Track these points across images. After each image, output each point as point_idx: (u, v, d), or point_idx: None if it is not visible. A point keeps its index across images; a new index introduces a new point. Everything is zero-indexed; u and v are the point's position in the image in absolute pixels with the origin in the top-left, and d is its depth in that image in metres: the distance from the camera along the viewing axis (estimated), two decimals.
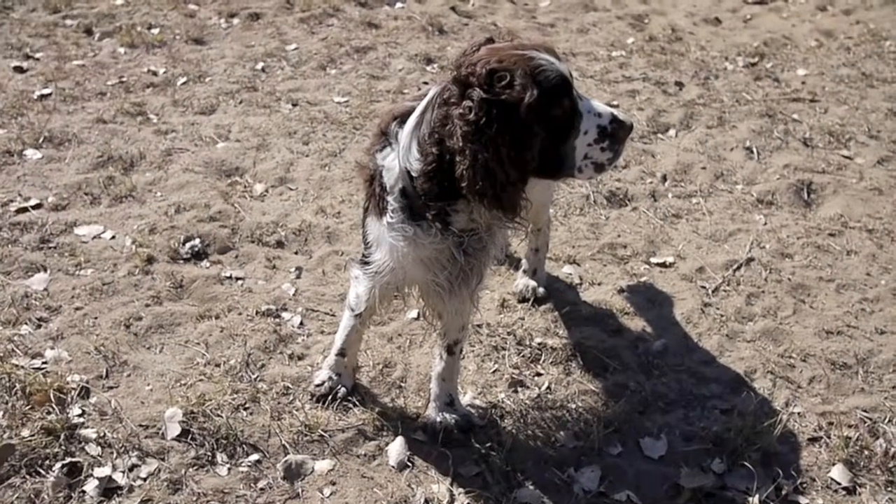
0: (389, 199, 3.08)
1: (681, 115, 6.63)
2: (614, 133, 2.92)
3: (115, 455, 3.36)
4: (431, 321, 3.58)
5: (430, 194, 2.95)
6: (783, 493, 3.41)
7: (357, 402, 3.71)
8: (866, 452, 3.65)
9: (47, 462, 3.28)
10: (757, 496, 3.33)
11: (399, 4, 8.29)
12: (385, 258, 3.20)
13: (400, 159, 3.01)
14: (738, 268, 4.84)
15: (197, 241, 4.66)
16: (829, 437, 3.73)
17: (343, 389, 3.72)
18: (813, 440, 3.73)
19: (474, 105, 2.75)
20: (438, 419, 3.57)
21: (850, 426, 3.79)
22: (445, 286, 3.22)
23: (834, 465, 3.59)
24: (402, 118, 3.09)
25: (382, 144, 3.15)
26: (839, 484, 3.51)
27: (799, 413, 3.86)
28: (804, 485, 3.49)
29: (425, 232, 3.05)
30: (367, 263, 3.32)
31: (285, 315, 4.23)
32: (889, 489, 3.50)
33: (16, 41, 6.99)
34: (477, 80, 2.77)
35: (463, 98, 2.79)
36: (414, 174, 2.96)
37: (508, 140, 2.76)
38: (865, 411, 3.87)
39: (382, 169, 3.11)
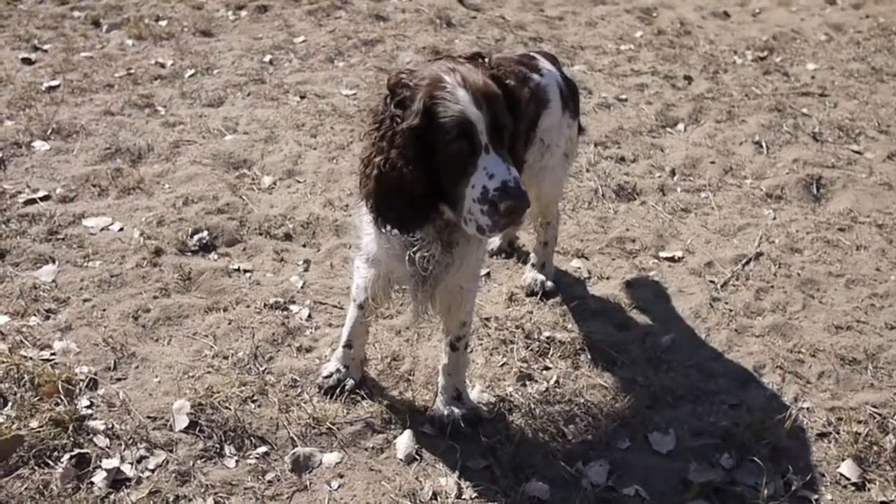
0: None
1: (689, 109, 6.61)
2: (494, 202, 2.71)
3: (123, 446, 3.36)
4: (422, 315, 3.51)
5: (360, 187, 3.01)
6: (792, 488, 3.40)
7: (365, 395, 3.70)
8: (875, 448, 3.64)
9: (56, 453, 3.28)
10: (766, 491, 3.31)
11: None
12: (369, 248, 3.26)
13: None
14: (747, 262, 4.83)
15: (205, 233, 4.65)
16: (838, 433, 3.72)
17: (351, 382, 3.71)
18: (822, 435, 3.72)
19: (377, 110, 2.84)
20: (446, 412, 3.57)
21: (859, 422, 3.77)
22: (412, 282, 3.23)
23: (843, 460, 3.58)
24: None
25: None
26: (848, 479, 3.50)
27: (808, 408, 3.85)
28: (813, 480, 3.47)
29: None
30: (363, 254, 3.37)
31: (293, 308, 4.22)
32: None
33: (24, 33, 6.99)
34: (387, 87, 2.84)
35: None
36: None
37: (386, 156, 2.78)
38: (875, 407, 3.86)
39: None
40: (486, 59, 2.99)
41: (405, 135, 2.76)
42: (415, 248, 3.08)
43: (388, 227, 2.92)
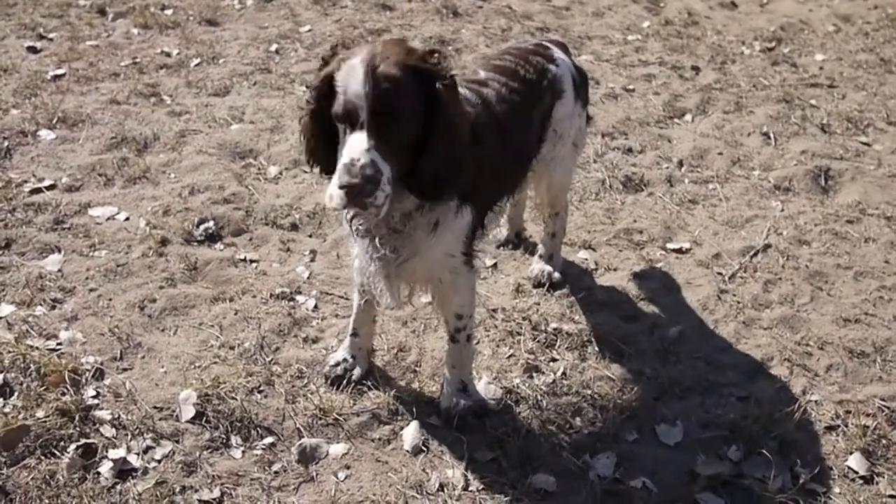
0: None
1: (697, 99, 6.58)
2: (338, 175, 2.72)
3: (129, 437, 3.35)
4: (398, 301, 3.49)
5: None
6: (800, 481, 3.38)
7: (372, 386, 3.69)
8: (884, 441, 3.62)
9: (62, 443, 3.28)
10: (774, 484, 3.30)
11: None
12: (345, 230, 3.29)
13: None
14: (755, 254, 4.81)
15: (211, 223, 4.64)
16: (846, 426, 3.70)
17: (357, 372, 3.70)
18: (830, 428, 3.70)
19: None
20: (453, 404, 3.56)
21: (867, 415, 3.76)
22: (374, 267, 3.24)
23: (851, 453, 3.56)
24: None
25: None
26: (856, 473, 3.48)
27: (816, 401, 3.83)
28: (821, 473, 3.45)
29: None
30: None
31: (300, 298, 4.21)
32: None
33: (29, 21, 6.98)
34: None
35: None
36: None
37: (304, 108, 3.04)
38: (883, 400, 3.84)
39: None
40: (438, 54, 2.94)
41: (311, 93, 2.94)
42: (350, 216, 3.10)
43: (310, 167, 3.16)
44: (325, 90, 2.84)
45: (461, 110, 3.00)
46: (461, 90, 3.09)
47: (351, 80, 2.73)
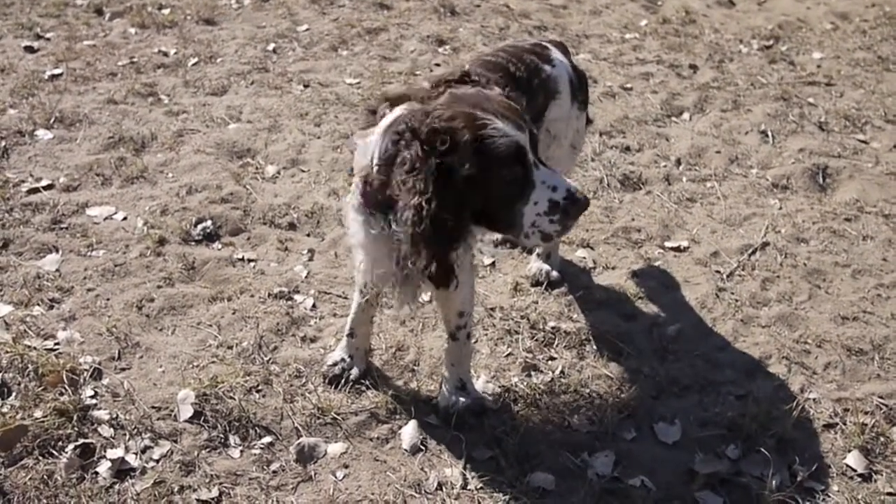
0: (355, 178, 3.09)
1: (695, 98, 6.58)
2: (566, 209, 2.87)
3: (127, 436, 3.35)
4: (403, 306, 3.50)
5: (379, 197, 2.94)
6: (798, 479, 3.38)
7: (370, 385, 3.69)
8: (882, 439, 3.63)
9: (60, 443, 3.28)
10: (772, 482, 3.30)
11: None
12: (350, 234, 3.25)
13: (371, 148, 2.97)
14: (753, 252, 4.81)
15: (209, 222, 4.64)
16: (844, 424, 3.70)
17: (355, 371, 3.70)
18: (828, 426, 3.71)
19: (413, 158, 2.77)
20: (451, 402, 3.55)
21: (865, 413, 3.76)
22: (397, 276, 3.19)
23: (849, 451, 3.56)
24: (393, 101, 3.06)
25: (368, 123, 3.12)
26: (855, 471, 3.49)
27: (814, 399, 3.83)
28: (819, 471, 3.46)
29: (376, 221, 3.03)
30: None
31: (298, 297, 4.21)
32: None
33: (26, 21, 6.97)
34: (424, 136, 2.78)
35: (409, 146, 2.80)
36: (374, 170, 2.95)
37: (440, 203, 2.75)
38: (881, 398, 3.84)
39: (357, 148, 3.09)
40: (473, 76, 3.07)
41: (464, 180, 2.76)
42: (375, 223, 3.06)
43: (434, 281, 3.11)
44: (479, 163, 2.77)
45: None
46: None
47: (511, 135, 2.78)
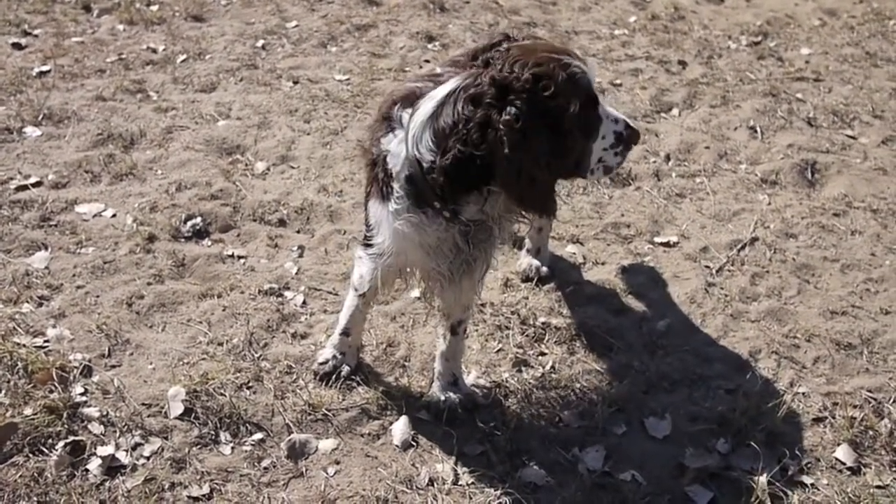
0: (395, 185, 3.04)
1: (684, 94, 6.59)
2: (628, 139, 3.03)
3: (118, 434, 3.35)
4: (431, 303, 3.56)
5: (443, 186, 2.89)
6: (788, 473, 3.40)
7: (361, 382, 3.69)
8: (871, 433, 3.65)
9: (50, 441, 3.27)
10: (762, 476, 3.31)
11: None
12: (388, 242, 3.17)
13: (408, 146, 2.94)
14: (743, 248, 4.82)
15: (198, 219, 4.63)
16: (833, 418, 3.72)
17: (347, 368, 3.70)
18: (818, 420, 3.73)
19: (521, 114, 2.72)
20: (442, 398, 3.56)
21: (854, 406, 3.78)
22: (446, 274, 3.21)
23: (839, 445, 3.58)
24: (405, 101, 3.06)
25: (386, 129, 3.10)
26: (844, 464, 3.51)
27: (804, 393, 3.85)
28: (809, 465, 3.49)
29: (430, 220, 3.02)
30: (369, 245, 3.30)
31: (288, 294, 4.21)
32: (894, 469, 3.49)
33: (14, 17, 6.92)
34: (521, 86, 2.75)
35: (504, 102, 2.75)
36: (425, 164, 2.91)
37: (553, 148, 2.81)
38: (870, 391, 3.87)
39: (387, 154, 3.06)
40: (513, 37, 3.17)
41: (574, 117, 2.82)
42: (467, 231, 3.08)
43: (548, 217, 3.29)
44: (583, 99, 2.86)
45: None
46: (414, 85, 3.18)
47: (588, 72, 2.87)
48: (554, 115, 2.77)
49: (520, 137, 2.72)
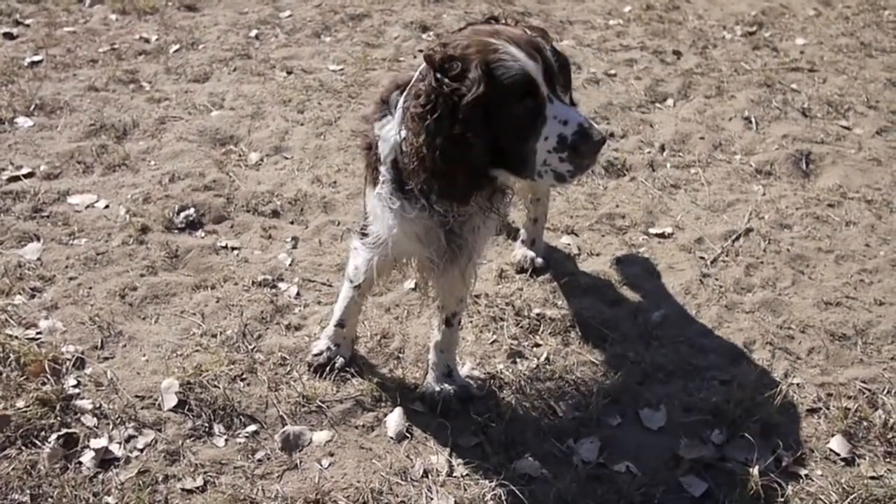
0: (382, 169, 3.06)
1: (679, 84, 6.58)
2: (575, 145, 2.72)
3: (111, 426, 3.34)
4: (427, 293, 3.56)
5: (413, 170, 2.87)
6: (783, 464, 3.41)
7: (355, 373, 3.68)
8: (865, 423, 3.65)
9: (43, 433, 3.26)
10: (756, 467, 3.31)
11: None
12: (383, 230, 3.18)
13: (395, 130, 2.96)
14: (737, 238, 4.82)
15: (192, 210, 4.61)
16: (828, 408, 3.73)
17: (341, 360, 3.69)
18: (812, 411, 3.73)
19: (423, 94, 2.73)
20: (437, 389, 3.55)
21: (849, 397, 3.78)
22: (435, 261, 3.21)
23: (833, 436, 3.59)
24: (404, 87, 3.05)
25: (382, 113, 3.10)
26: (838, 455, 3.51)
27: (798, 384, 3.85)
28: (803, 456, 3.49)
29: (412, 205, 3.01)
30: (365, 235, 3.30)
31: (282, 285, 4.19)
32: (888, 460, 3.50)
33: (5, 7, 6.88)
34: (434, 66, 2.73)
35: (425, 76, 2.78)
36: (404, 148, 2.92)
37: (449, 132, 2.71)
38: (864, 382, 3.87)
39: (378, 139, 3.07)
40: (502, 20, 3.01)
41: (471, 106, 2.69)
42: (445, 220, 3.05)
43: (447, 203, 2.94)
44: (489, 88, 2.70)
45: None
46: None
47: (520, 62, 2.70)
48: (451, 100, 2.70)
49: (417, 119, 2.74)
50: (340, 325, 3.68)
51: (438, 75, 2.72)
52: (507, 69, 2.69)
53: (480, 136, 2.73)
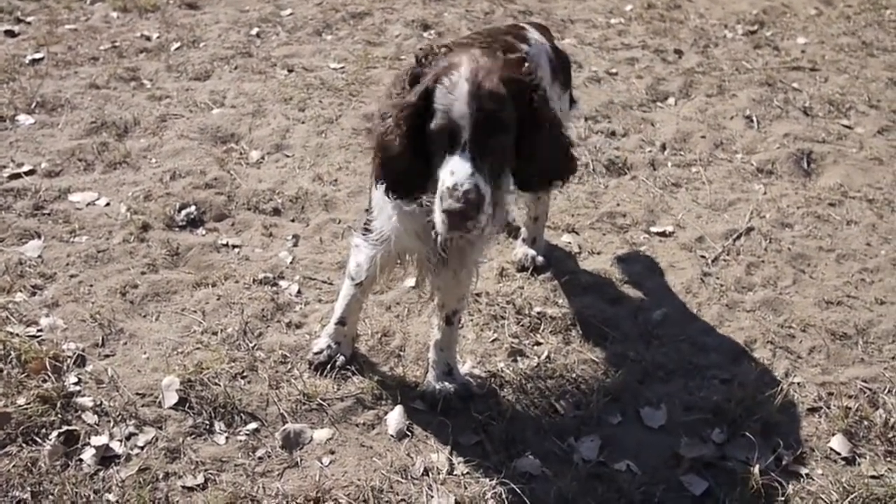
0: None
1: (680, 83, 6.58)
2: (441, 199, 2.71)
3: (112, 423, 3.33)
4: (425, 291, 3.55)
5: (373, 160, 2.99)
6: (783, 462, 3.41)
7: (355, 371, 3.68)
8: (866, 423, 3.65)
9: (44, 430, 3.25)
10: (757, 466, 3.31)
11: None
12: (383, 224, 3.20)
13: None
14: (738, 237, 4.82)
15: (192, 208, 4.60)
16: (828, 408, 3.72)
17: (342, 358, 3.69)
18: (813, 410, 3.72)
19: (392, 84, 2.97)
20: (437, 388, 3.55)
21: (849, 396, 3.78)
22: (432, 259, 3.21)
23: (834, 435, 3.58)
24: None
25: None
26: (839, 454, 3.51)
27: (799, 383, 3.85)
28: (804, 455, 3.48)
29: (407, 202, 3.03)
30: (368, 231, 3.31)
31: (282, 283, 4.19)
32: (889, 459, 3.49)
33: (6, 4, 6.88)
34: (414, 58, 2.91)
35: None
36: None
37: (384, 130, 2.86)
38: (865, 381, 3.87)
39: None
40: (526, 62, 2.99)
41: (403, 108, 2.80)
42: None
43: (389, 194, 2.97)
44: (422, 107, 2.77)
45: (553, 113, 3.02)
46: None
47: (455, 99, 2.68)
48: (398, 103, 2.85)
49: (378, 114, 2.91)
50: (341, 322, 3.68)
51: (408, 70, 2.87)
52: (442, 97, 2.72)
53: (402, 139, 2.82)
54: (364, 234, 3.36)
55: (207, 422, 3.40)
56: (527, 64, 2.93)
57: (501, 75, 2.76)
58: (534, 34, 3.92)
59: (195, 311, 3.96)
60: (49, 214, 4.51)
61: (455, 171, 2.68)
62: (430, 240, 3.11)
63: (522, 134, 2.85)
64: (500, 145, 2.78)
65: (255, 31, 6.80)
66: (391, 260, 3.36)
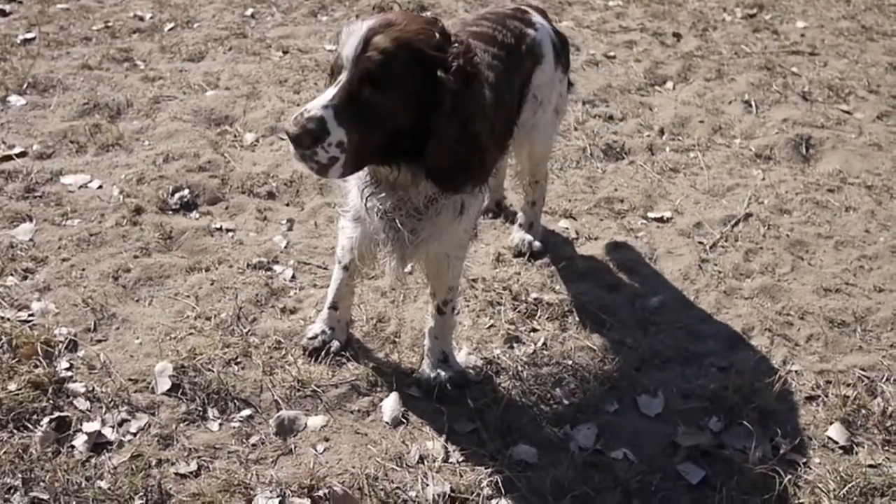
0: None
1: (678, 67, 6.53)
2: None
3: (104, 409, 3.30)
4: (400, 278, 3.46)
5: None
6: (780, 451, 3.38)
7: (350, 357, 3.65)
8: (864, 411, 3.62)
9: (35, 416, 3.22)
10: (754, 454, 3.29)
11: None
12: (353, 201, 3.19)
13: None
14: (736, 223, 4.79)
15: (186, 191, 4.56)
16: (826, 396, 3.70)
17: (336, 344, 3.66)
18: (810, 398, 3.70)
19: None
20: (433, 375, 3.52)
21: (847, 385, 3.76)
22: (389, 243, 3.15)
23: (831, 423, 3.56)
24: None
25: None
26: (836, 443, 3.49)
27: (797, 371, 3.82)
28: (801, 443, 3.46)
29: (371, 183, 3.00)
30: (346, 211, 3.31)
31: (277, 268, 4.15)
32: (886, 448, 3.47)
33: None
34: None
35: None
36: None
37: None
38: (863, 370, 3.84)
39: None
40: (458, 42, 2.80)
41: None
42: (368, 194, 3.00)
43: None
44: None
45: (473, 101, 2.77)
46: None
47: (346, 42, 2.66)
48: None
49: None
50: (334, 307, 3.65)
51: None
52: (339, 41, 2.71)
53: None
54: (344, 214, 3.33)
55: (201, 408, 3.37)
56: (456, 43, 2.76)
57: (402, 37, 2.66)
58: (538, 17, 3.88)
59: (188, 296, 3.93)
60: (41, 197, 4.46)
61: (314, 100, 2.66)
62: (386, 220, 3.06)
63: (426, 112, 2.71)
64: (374, 102, 2.65)
65: (249, 11, 6.74)
66: (368, 241, 3.27)
